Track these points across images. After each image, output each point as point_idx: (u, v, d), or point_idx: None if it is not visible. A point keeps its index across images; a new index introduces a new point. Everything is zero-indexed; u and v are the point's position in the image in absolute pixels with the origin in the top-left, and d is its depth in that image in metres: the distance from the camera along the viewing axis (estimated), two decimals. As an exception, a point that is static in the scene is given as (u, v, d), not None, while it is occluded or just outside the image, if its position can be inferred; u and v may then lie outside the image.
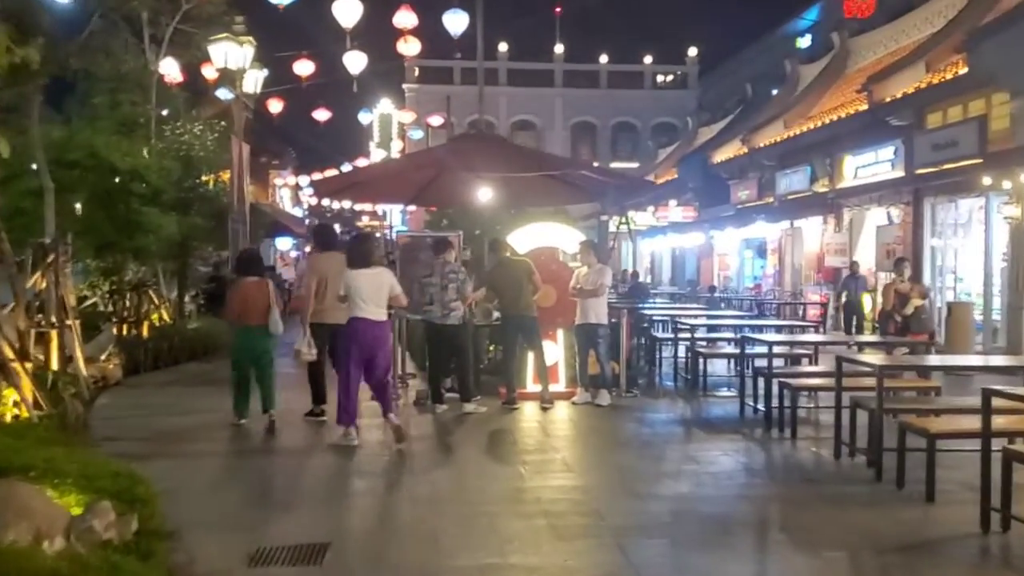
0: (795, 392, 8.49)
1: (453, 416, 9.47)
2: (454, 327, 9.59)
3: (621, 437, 8.60)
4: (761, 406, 9.21)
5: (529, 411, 9.72)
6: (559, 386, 10.52)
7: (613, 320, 10.92)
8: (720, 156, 27.32)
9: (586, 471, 7.22)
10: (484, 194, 11.93)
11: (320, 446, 8.03)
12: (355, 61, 15.11)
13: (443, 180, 12.73)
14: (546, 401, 9.90)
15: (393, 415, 8.04)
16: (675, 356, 12.59)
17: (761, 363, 9.60)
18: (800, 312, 19.36)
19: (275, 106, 19.86)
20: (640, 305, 16.07)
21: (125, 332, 13.60)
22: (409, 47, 14.52)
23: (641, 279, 27.27)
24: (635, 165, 43.05)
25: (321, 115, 22.26)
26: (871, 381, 7.83)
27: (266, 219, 20.63)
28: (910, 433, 6.35)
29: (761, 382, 9.33)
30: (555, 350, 10.62)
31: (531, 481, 6.74)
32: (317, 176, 27.07)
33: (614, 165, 46.34)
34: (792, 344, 10.16)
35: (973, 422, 6.31)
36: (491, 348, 11.81)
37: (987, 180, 13.45)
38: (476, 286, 10.42)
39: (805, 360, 10.71)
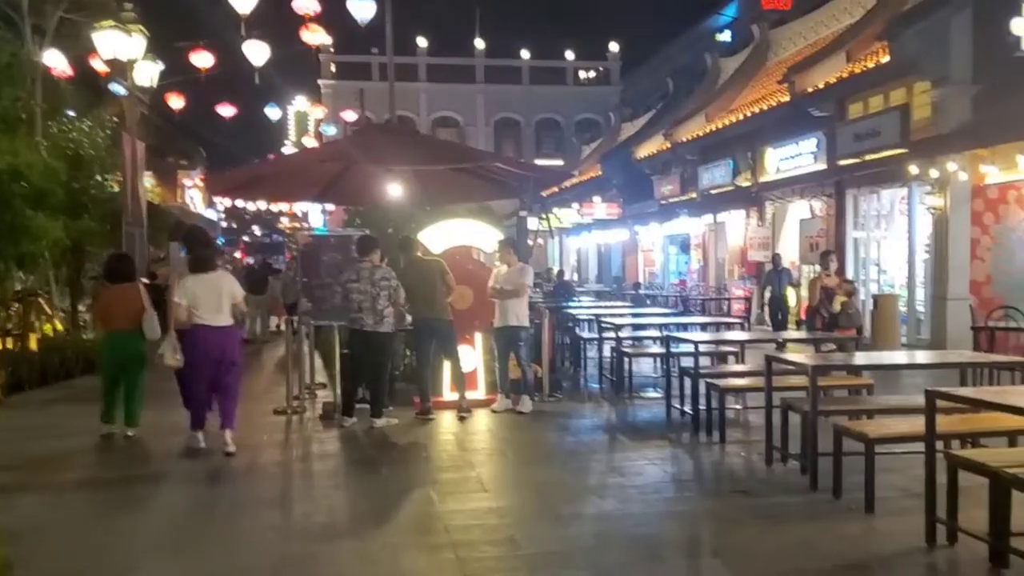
0: (723, 393, 8.04)
1: (362, 430, 8.78)
2: (386, 336, 8.91)
3: (542, 448, 8.02)
4: (688, 408, 8.76)
5: (445, 422, 9.09)
6: (478, 393, 9.93)
7: (536, 321, 10.37)
8: (643, 151, 27.07)
9: (503, 491, 6.61)
10: (395, 189, 11.24)
11: (202, 473, 7.25)
12: (256, 51, 14.23)
13: (352, 175, 11.98)
14: (463, 410, 9.28)
15: (230, 433, 7.71)
16: (599, 356, 12.09)
17: (687, 362, 9.16)
18: (725, 307, 19.11)
19: (176, 102, 18.78)
20: (565, 304, 15.57)
21: (10, 346, 12.54)
22: (314, 36, 13.73)
23: (567, 277, 26.93)
24: (560, 162, 42.73)
25: (226, 111, 21.20)
26: (801, 380, 7.45)
27: (171, 221, 19.53)
28: (847, 438, 5.93)
29: (688, 382, 8.88)
30: (473, 355, 10.02)
31: (442, 504, 6.11)
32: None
33: (539, 162, 46.10)
34: (718, 343, 9.73)
35: (912, 424, 5.90)
36: (407, 354, 11.15)
37: (914, 169, 13.30)
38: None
39: (732, 358, 10.33)
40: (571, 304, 15.64)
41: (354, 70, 40.43)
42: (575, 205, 31.11)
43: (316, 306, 9.99)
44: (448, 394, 9.73)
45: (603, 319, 11.79)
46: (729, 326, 11.75)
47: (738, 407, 9.07)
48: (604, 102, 43.17)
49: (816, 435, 6.26)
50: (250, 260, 37.08)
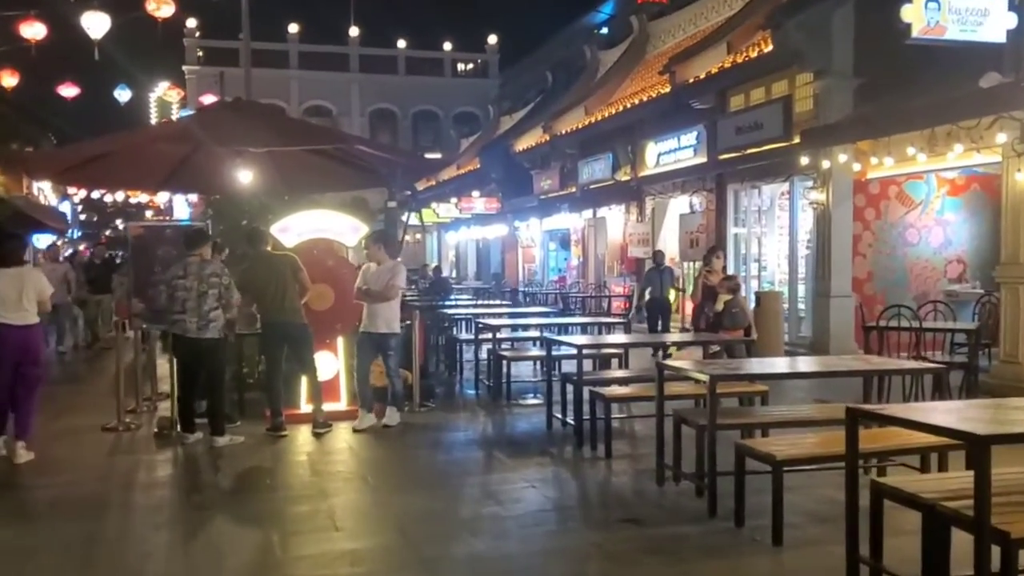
0: (608, 403, 7.28)
1: (202, 450, 7.61)
2: (212, 342, 7.75)
3: (409, 470, 7.05)
4: (571, 418, 7.98)
5: (299, 439, 8.02)
6: (340, 405, 8.87)
7: (407, 322, 9.39)
8: (522, 144, 26.36)
9: (359, 528, 5.62)
10: (245, 175, 10.02)
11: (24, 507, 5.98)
12: (95, 23, 12.69)
13: (200, 159, 10.67)
14: (320, 425, 8.22)
15: (22, 444, 7.10)
16: (476, 360, 11.21)
17: (569, 365, 8.39)
18: (605, 305, 18.57)
19: (8, 79, 16.83)
20: (439, 303, 14.65)
21: None
22: (159, 8, 12.30)
23: (445, 274, 25.95)
24: (438, 155, 41.71)
25: (69, 91, 19.26)
26: (689, 387, 6.75)
27: (7, 213, 17.55)
28: (751, 458, 5.22)
29: (570, 389, 8.11)
30: (334, 362, 8.95)
31: (284, 549, 5.08)
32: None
33: (416, 155, 45.02)
34: (602, 347, 9.00)
35: (824, 443, 5.25)
36: (261, 360, 9.97)
37: (805, 159, 12.94)
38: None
39: (615, 360, 9.64)
40: (447, 303, 14.70)
41: (221, 56, 38.24)
42: (453, 200, 30.17)
43: (149, 307, 8.72)
44: (305, 406, 8.65)
45: (479, 319, 10.91)
46: (611, 327, 11.07)
47: (623, 416, 8.35)
48: (483, 95, 42.38)
49: (715, 454, 5.54)
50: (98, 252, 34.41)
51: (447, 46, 44.81)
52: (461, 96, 44.20)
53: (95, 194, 30.10)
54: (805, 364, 6.07)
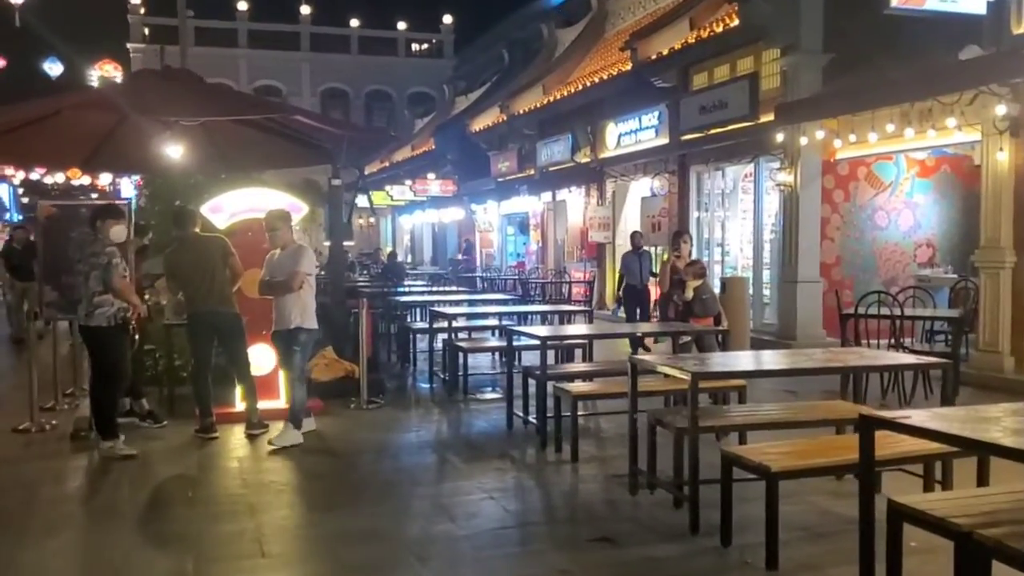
0: (574, 400, 6.61)
1: (120, 456, 6.79)
2: (98, 331, 6.80)
3: (352, 480, 6.30)
4: (533, 416, 7.30)
5: (232, 442, 7.24)
6: (278, 402, 8.06)
7: (355, 310, 8.64)
8: (479, 124, 25.56)
9: (289, 554, 4.87)
10: (175, 151, 9.15)
11: None
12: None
13: (127, 134, 9.77)
14: (254, 426, 7.43)
15: None
16: (430, 351, 10.47)
17: (531, 357, 7.72)
18: (565, 291, 17.91)
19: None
20: (393, 290, 13.88)
21: None
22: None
23: (400, 259, 25.17)
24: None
25: (-8, 63, 18.03)
26: (658, 382, 6.11)
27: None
28: (738, 468, 4.59)
29: (532, 383, 7.43)
30: (271, 355, 8.13)
31: (197, 581, 4.33)
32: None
33: (369, 137, 43.87)
34: (566, 339, 8.32)
35: (822, 450, 4.63)
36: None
37: (780, 137, 12.38)
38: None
39: (579, 352, 8.99)
40: (398, 290, 13.93)
41: (167, 34, 36.73)
42: (407, 182, 29.29)
43: (63, 295, 7.85)
44: (240, 404, 7.85)
45: (434, 307, 10.17)
46: (573, 316, 10.40)
47: (589, 413, 7.69)
48: (437, 75, 41.36)
49: (697, 462, 4.89)
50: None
51: (401, 25, 43.77)
52: (416, 76, 43.20)
53: (34, 175, 28.73)
54: (798, 359, 5.43)
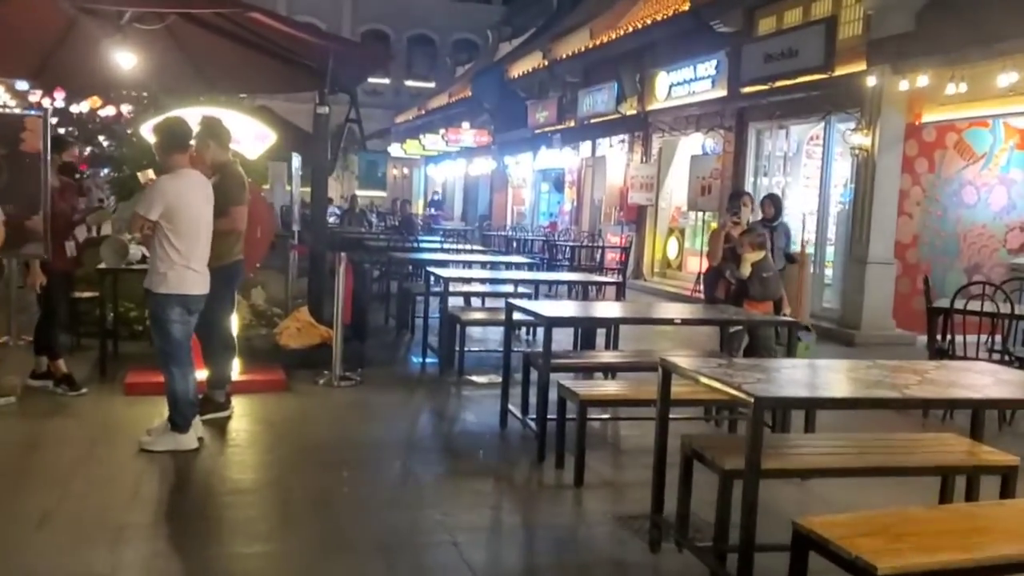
0: (584, 406, 4.95)
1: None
2: None
3: (275, 497, 4.70)
4: (532, 417, 5.66)
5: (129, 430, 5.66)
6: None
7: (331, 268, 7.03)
8: (518, 70, 23.64)
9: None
10: (128, 60, 7.54)
11: None
12: None
13: (79, 41, 8.22)
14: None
15: None
16: (425, 319, 8.82)
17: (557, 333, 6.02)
18: (598, 257, 16.13)
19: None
20: (398, 245, 12.26)
21: None
22: None
23: (442, 213, 23.52)
24: (431, 85, 38.97)
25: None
26: (687, 385, 4.38)
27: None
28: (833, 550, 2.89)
29: (534, 375, 5.77)
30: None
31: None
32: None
33: (408, 83, 41.90)
34: (580, 321, 6.59)
35: (951, 529, 2.93)
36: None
37: (872, 80, 10.43)
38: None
39: (603, 334, 7.30)
40: (407, 246, 12.28)
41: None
42: (441, 131, 27.53)
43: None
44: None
45: (430, 269, 8.51)
46: (602, 289, 8.69)
47: (604, 417, 6.01)
48: (484, 21, 39.26)
49: (754, 521, 3.22)
50: None
51: (449, -36, 41.59)
52: (461, 21, 41.06)
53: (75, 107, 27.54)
54: (907, 377, 3.66)
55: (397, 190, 37.59)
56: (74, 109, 33.54)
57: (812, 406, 3.71)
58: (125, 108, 32.06)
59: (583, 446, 4.94)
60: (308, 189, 8.75)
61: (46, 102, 29.33)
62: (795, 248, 10.84)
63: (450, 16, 41.08)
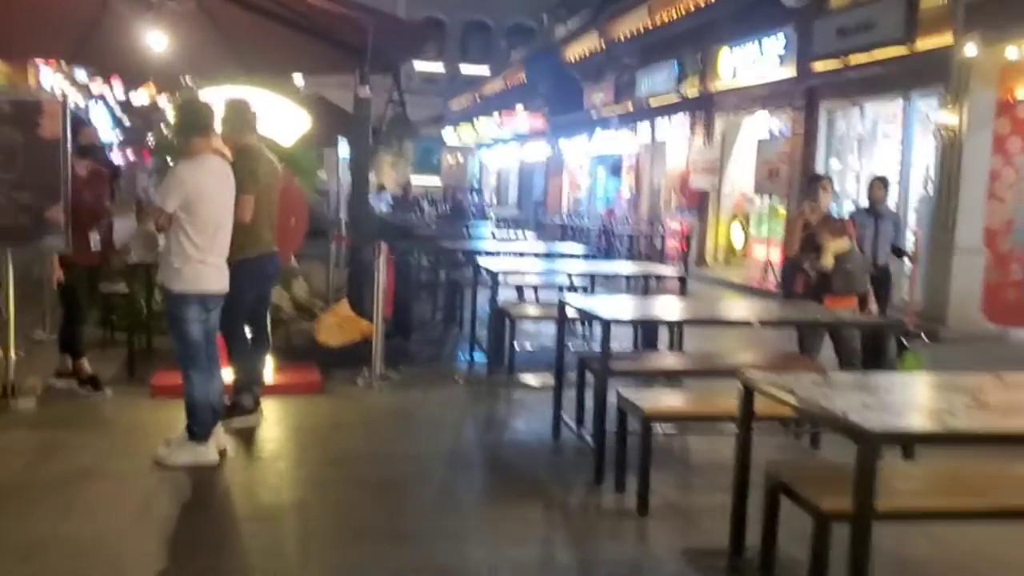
0: (645, 421, 4.31)
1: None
2: None
3: (290, 529, 4.17)
4: (588, 430, 5.06)
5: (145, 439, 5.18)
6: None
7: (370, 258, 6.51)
8: (574, 53, 22.90)
9: None
10: (158, 40, 7.09)
11: None
12: None
13: (114, 22, 7.82)
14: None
15: None
16: (473, 313, 8.24)
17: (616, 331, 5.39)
18: (658, 245, 15.39)
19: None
20: (447, 234, 11.72)
21: None
22: None
23: (469, 199, 22.93)
24: (486, 71, 38.31)
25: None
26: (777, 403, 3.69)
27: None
28: None
29: (590, 379, 5.16)
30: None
31: None
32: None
33: (464, 70, 41.28)
34: (642, 322, 5.94)
35: None
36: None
37: (971, 50, 9.51)
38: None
39: (666, 333, 6.65)
40: (451, 235, 11.71)
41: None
42: (495, 114, 26.95)
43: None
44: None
45: (478, 261, 7.93)
46: (662, 281, 8.02)
47: (672, 432, 5.36)
48: (540, 5, 38.43)
49: (865, 571, 2.58)
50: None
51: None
52: (518, 6, 40.27)
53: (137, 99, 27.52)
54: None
55: (451, 177, 37.10)
56: (136, 101, 33.31)
57: (944, 441, 3.00)
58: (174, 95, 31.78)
59: (647, 467, 4.30)
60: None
61: (104, 91, 29.24)
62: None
63: (506, 0, 40.37)
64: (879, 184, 8.55)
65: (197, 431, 4.76)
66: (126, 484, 4.46)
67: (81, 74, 27.35)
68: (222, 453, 4.87)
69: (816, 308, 5.52)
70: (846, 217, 7.27)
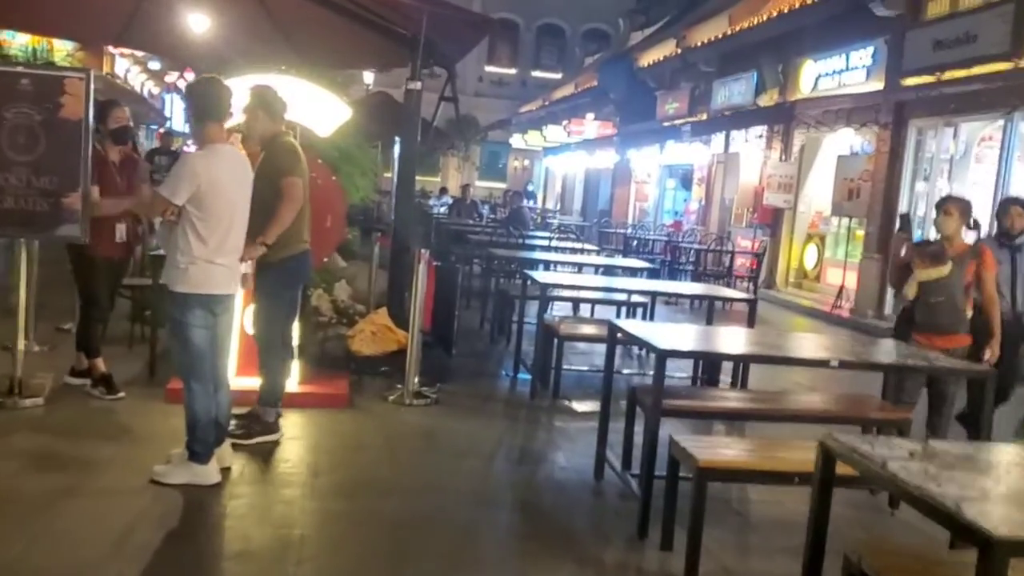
0: (700, 475, 3.69)
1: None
2: None
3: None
4: (634, 472, 4.45)
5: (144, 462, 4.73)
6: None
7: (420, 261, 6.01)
8: (648, 59, 22.22)
9: None
10: (201, 23, 6.69)
11: None
12: None
13: (160, 5, 7.47)
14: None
15: None
16: (520, 328, 7.65)
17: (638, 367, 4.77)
18: (726, 262, 14.63)
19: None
20: (501, 241, 11.18)
21: None
22: None
23: (535, 206, 22.35)
24: (558, 76, 37.83)
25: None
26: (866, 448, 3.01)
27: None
28: None
29: (638, 415, 4.55)
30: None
31: None
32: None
33: (535, 74, 40.77)
34: (704, 355, 5.29)
35: None
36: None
37: None
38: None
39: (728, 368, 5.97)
40: (511, 242, 11.16)
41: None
42: (564, 122, 26.36)
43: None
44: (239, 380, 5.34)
45: (527, 272, 7.37)
46: (729, 305, 7.35)
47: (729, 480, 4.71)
48: (617, 8, 37.73)
49: None
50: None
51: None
52: (593, 9, 39.61)
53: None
54: None
55: (517, 182, 36.64)
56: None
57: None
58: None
59: (699, 524, 3.69)
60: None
61: (176, 82, 29.21)
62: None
63: (581, 4, 39.75)
64: (1019, 209, 6.21)
65: (197, 450, 4.29)
66: (113, 504, 4.00)
67: (154, 64, 27.18)
68: (226, 471, 4.40)
69: (907, 350, 4.80)
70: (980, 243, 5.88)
